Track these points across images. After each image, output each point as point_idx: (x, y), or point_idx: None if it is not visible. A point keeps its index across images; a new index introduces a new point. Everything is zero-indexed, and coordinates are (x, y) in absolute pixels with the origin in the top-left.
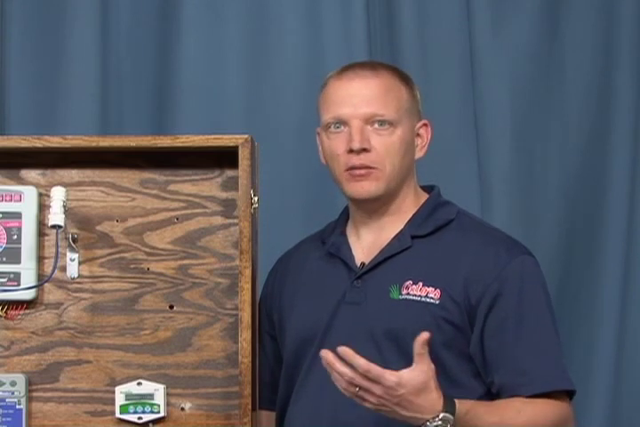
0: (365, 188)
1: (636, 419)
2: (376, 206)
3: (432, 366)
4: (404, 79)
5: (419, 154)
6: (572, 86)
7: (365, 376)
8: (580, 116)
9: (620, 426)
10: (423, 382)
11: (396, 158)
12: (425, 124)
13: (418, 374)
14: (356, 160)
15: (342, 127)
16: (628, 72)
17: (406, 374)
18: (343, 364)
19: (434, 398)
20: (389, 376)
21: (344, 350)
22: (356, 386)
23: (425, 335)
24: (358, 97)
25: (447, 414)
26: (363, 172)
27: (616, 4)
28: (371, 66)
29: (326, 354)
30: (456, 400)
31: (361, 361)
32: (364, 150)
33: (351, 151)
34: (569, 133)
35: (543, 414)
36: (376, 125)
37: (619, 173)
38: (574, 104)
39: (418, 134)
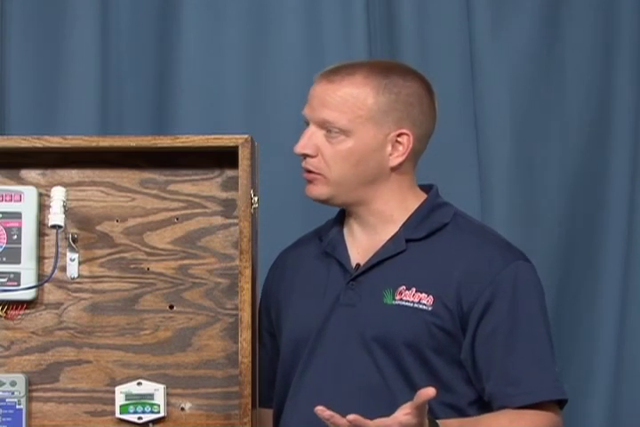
0: (311, 191)
1: (636, 419)
2: (348, 208)
3: (425, 409)
4: (387, 86)
5: (394, 162)
6: (572, 86)
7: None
8: (580, 116)
9: (620, 426)
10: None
11: (345, 167)
12: (405, 134)
13: (409, 418)
14: (303, 163)
15: (308, 126)
16: (627, 72)
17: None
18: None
19: None
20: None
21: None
22: None
23: (431, 392)
24: (317, 101)
25: None
26: (309, 176)
27: (616, 4)
28: (350, 68)
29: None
30: (439, 422)
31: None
32: (308, 155)
33: None
34: (569, 133)
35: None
36: (328, 132)
37: (619, 173)
38: (574, 104)
39: (397, 141)
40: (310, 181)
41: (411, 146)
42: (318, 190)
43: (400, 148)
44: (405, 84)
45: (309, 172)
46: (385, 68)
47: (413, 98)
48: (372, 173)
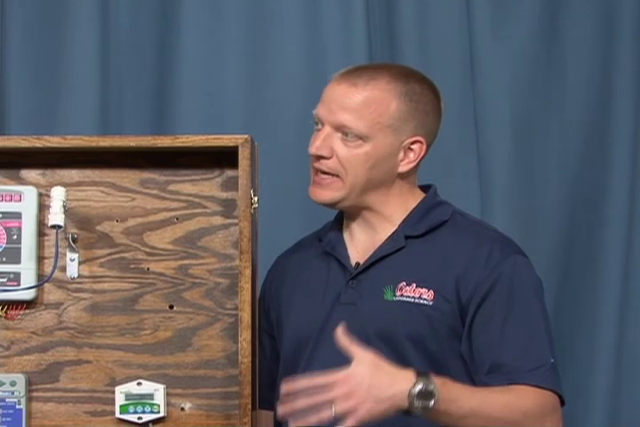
0: (320, 195)
1: (636, 419)
2: (349, 210)
3: (368, 350)
4: (407, 93)
5: (403, 168)
6: (572, 86)
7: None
8: (580, 116)
9: (620, 426)
10: (371, 360)
11: (359, 170)
12: (419, 142)
13: (360, 357)
14: (317, 165)
15: (320, 126)
16: (628, 72)
17: (352, 364)
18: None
19: (396, 371)
20: (336, 373)
21: (285, 389)
22: (329, 403)
23: (339, 330)
24: (336, 103)
25: (424, 378)
26: (323, 180)
27: (616, 5)
28: (372, 72)
29: (283, 410)
30: (435, 378)
31: (300, 383)
32: (322, 157)
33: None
34: (569, 133)
35: (526, 396)
36: (344, 135)
37: (619, 173)
38: (574, 104)
39: (410, 148)
40: (319, 184)
41: (422, 153)
42: (330, 194)
43: (411, 155)
44: (423, 93)
45: (324, 173)
46: (404, 74)
47: (429, 107)
48: (381, 177)
